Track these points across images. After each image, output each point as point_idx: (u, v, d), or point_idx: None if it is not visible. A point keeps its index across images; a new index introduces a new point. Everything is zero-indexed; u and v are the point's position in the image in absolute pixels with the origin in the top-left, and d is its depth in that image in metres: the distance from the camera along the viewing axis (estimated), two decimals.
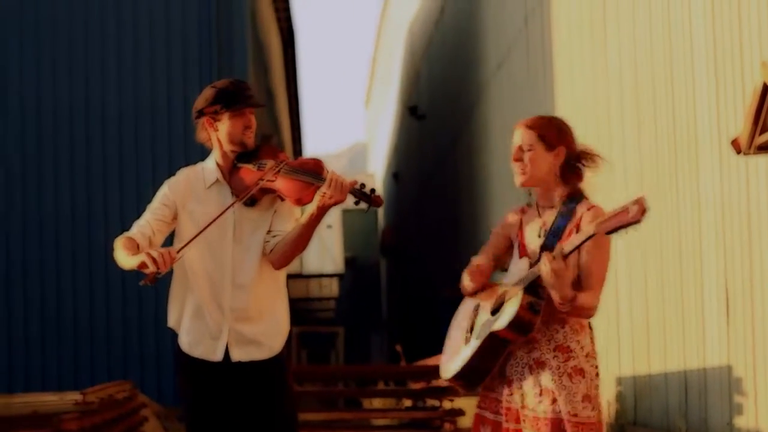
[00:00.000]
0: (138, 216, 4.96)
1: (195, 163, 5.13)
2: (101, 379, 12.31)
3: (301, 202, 4.79)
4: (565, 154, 4.57)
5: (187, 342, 4.96)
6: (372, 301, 43.96)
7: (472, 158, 19.65)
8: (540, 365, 4.45)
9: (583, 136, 12.03)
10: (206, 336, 4.91)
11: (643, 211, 4.02)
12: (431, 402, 11.92)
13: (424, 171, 28.35)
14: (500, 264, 4.84)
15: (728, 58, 8.18)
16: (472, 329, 4.64)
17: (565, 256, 4.25)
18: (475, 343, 4.54)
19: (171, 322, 5.04)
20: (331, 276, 31.42)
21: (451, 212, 22.85)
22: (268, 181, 4.85)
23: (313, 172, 4.79)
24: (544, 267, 4.26)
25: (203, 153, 5.14)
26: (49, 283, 13.68)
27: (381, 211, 43.45)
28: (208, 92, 4.99)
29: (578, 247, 4.26)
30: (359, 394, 13.99)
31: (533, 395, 4.43)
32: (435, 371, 11.40)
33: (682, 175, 9.12)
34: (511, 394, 4.48)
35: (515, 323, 4.38)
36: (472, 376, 4.59)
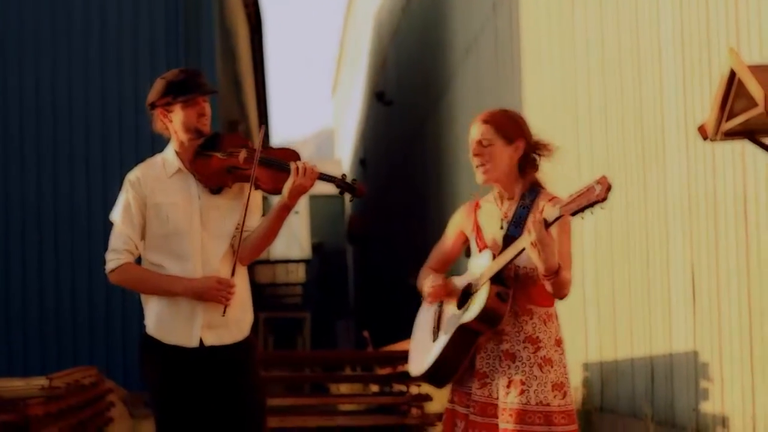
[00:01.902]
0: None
1: (162, 150, 5.10)
2: (67, 365, 12.24)
3: (278, 190, 4.79)
4: (524, 147, 4.58)
5: (160, 330, 4.93)
6: (339, 286, 43.94)
7: (439, 144, 19.65)
8: (510, 357, 4.45)
9: (551, 124, 12.05)
10: (180, 322, 4.88)
11: (607, 190, 4.02)
12: (398, 387, 11.93)
13: (391, 157, 28.33)
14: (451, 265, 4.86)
15: (695, 44, 8.20)
16: (438, 327, 4.65)
17: (548, 226, 4.23)
18: (444, 338, 4.54)
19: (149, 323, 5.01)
20: (297, 261, 31.42)
21: (418, 198, 22.85)
22: (244, 169, 4.84)
23: (288, 161, 4.79)
24: (529, 237, 4.24)
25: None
26: (15, 269, 13.60)
27: (348, 197, 43.36)
28: (158, 84, 4.96)
29: (550, 225, 4.24)
30: (326, 379, 13.99)
31: (502, 387, 4.43)
32: (402, 357, 11.40)
33: (648, 161, 9.15)
34: (480, 387, 4.49)
35: (484, 314, 4.39)
36: (443, 372, 4.59)
